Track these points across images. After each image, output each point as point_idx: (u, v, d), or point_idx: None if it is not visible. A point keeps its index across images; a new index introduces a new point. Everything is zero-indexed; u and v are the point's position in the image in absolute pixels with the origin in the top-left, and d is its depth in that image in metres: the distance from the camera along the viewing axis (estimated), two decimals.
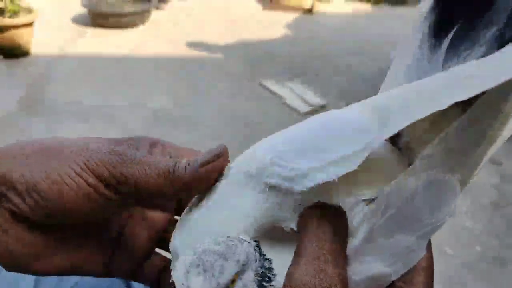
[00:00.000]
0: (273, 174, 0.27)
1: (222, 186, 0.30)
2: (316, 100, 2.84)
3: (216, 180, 0.30)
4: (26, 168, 0.29)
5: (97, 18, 3.91)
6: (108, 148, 0.30)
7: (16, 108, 2.59)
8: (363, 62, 3.47)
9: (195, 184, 0.29)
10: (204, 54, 3.51)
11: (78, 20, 4.00)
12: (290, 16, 4.59)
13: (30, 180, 0.28)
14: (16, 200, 0.28)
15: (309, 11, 4.75)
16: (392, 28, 4.30)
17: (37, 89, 2.83)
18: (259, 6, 4.90)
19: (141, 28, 3.98)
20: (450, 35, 0.26)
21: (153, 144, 0.34)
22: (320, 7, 4.90)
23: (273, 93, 2.92)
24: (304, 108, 2.75)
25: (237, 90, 2.95)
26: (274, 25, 4.29)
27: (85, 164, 0.29)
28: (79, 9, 4.03)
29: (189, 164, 0.29)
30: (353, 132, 0.25)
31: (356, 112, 0.27)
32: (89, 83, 2.94)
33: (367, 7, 5.10)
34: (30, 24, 3.21)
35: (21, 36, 3.17)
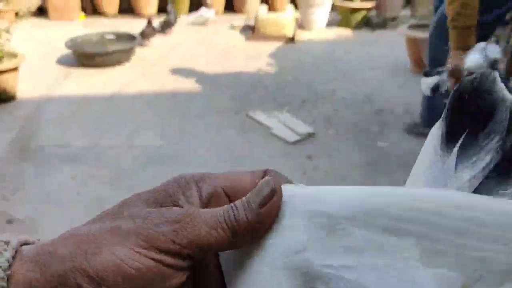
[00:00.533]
0: None
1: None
2: (304, 128, 2.87)
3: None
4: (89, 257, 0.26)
5: (82, 59, 3.94)
6: (161, 218, 0.27)
7: (5, 153, 2.59)
8: (346, 88, 3.53)
9: (257, 227, 0.28)
10: (190, 88, 3.54)
11: (63, 62, 4.04)
12: (273, 46, 4.66)
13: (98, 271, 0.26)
14: None
15: (291, 39, 4.83)
16: (373, 52, 4.38)
17: (25, 133, 2.83)
18: (242, 37, 4.97)
19: (126, 65, 4.01)
20: (459, 144, 0.30)
21: (199, 180, 0.30)
22: (301, 35, 4.99)
23: (260, 123, 2.95)
24: (292, 137, 2.78)
25: (225, 123, 2.97)
26: (258, 56, 4.35)
27: (145, 241, 0.27)
28: (64, 51, 4.07)
29: (247, 205, 0.28)
30: None
31: None
32: (77, 125, 2.95)
33: (348, 32, 5.20)
34: (15, 69, 3.23)
35: (6, 81, 3.18)
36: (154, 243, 0.27)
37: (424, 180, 0.31)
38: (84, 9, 5.80)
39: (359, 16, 5.29)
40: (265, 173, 0.31)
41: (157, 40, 4.64)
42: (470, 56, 1.77)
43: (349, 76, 3.80)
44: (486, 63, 1.79)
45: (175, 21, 4.96)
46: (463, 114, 0.30)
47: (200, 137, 2.80)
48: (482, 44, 1.79)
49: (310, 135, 2.80)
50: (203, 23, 5.46)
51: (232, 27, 5.29)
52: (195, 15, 5.63)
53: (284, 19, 4.92)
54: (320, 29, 5.29)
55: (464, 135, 0.29)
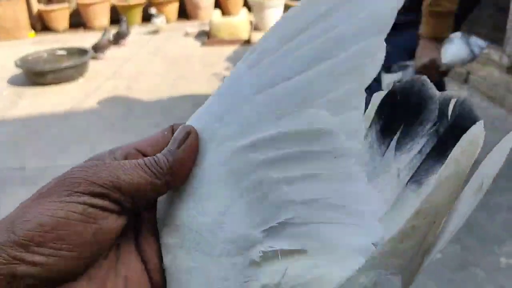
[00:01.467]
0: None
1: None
2: None
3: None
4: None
5: (34, 77, 3.83)
6: (80, 168, 0.29)
7: None
8: None
9: (179, 168, 0.30)
10: (147, 99, 3.49)
11: (15, 82, 3.92)
12: (230, 50, 4.65)
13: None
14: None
15: (247, 42, 4.83)
16: None
17: None
18: (197, 44, 4.94)
19: (80, 81, 3.92)
20: (397, 136, 0.33)
21: (113, 151, 0.32)
22: (257, 37, 5.00)
23: None
24: None
25: None
26: (215, 61, 4.33)
27: (66, 190, 0.27)
28: (14, 70, 3.95)
29: (166, 151, 0.30)
30: None
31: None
32: (32, 146, 2.86)
33: None
34: None
35: None
36: (75, 188, 0.27)
37: (363, 174, 0.32)
38: (33, 26, 5.66)
39: None
40: (172, 128, 0.33)
41: (111, 53, 4.56)
42: (451, 49, 1.61)
43: None
44: (469, 57, 1.64)
45: (128, 32, 4.89)
46: (396, 111, 0.34)
47: None
48: (458, 34, 1.64)
49: None
50: (157, 31, 5.40)
51: (187, 34, 5.25)
52: (148, 25, 5.57)
53: (239, 22, 4.91)
54: None
55: (401, 127, 0.33)
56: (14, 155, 2.75)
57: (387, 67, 1.93)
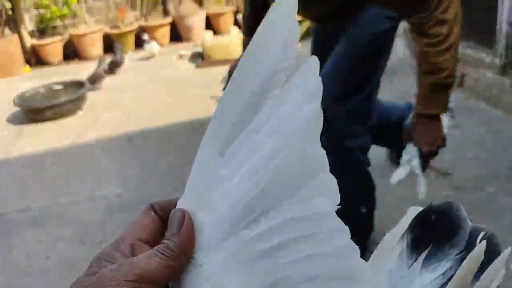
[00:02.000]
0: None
1: None
2: None
3: None
4: None
5: (33, 114, 3.86)
6: (108, 270, 0.32)
7: None
8: None
9: (186, 248, 0.34)
10: (146, 127, 3.51)
11: (14, 120, 3.95)
12: (224, 70, 4.67)
13: None
14: None
15: None
16: None
17: None
18: (191, 66, 4.98)
19: (79, 114, 3.95)
20: (425, 252, 0.38)
21: (116, 247, 0.35)
22: None
23: None
24: None
25: (186, 158, 2.95)
26: (211, 82, 4.35)
27: None
28: (12, 108, 3.98)
29: (169, 235, 0.34)
30: None
31: None
32: (35, 184, 2.88)
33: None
34: None
35: None
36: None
37: (388, 279, 0.38)
38: (28, 61, 5.71)
39: (303, 28, 5.37)
40: (152, 207, 0.38)
41: (107, 82, 4.59)
42: (444, 121, 1.48)
43: None
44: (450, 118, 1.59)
45: (122, 59, 4.92)
46: (428, 230, 0.38)
47: (162, 178, 2.76)
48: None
49: None
50: (151, 57, 5.44)
51: (180, 57, 5.29)
52: (141, 50, 5.61)
53: (231, 41, 4.95)
54: None
55: (430, 247, 0.37)
56: (19, 196, 2.76)
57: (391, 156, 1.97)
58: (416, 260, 0.38)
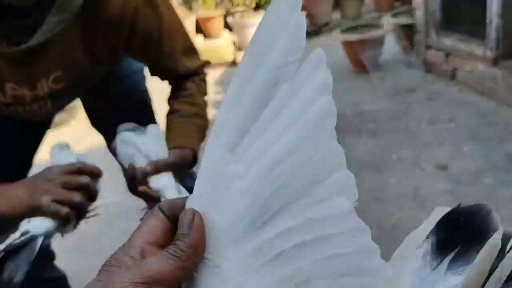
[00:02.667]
0: None
1: None
2: None
3: None
4: None
5: None
6: (121, 270, 0.32)
7: None
8: None
9: (197, 247, 0.34)
10: None
11: None
12: (217, 73, 4.68)
13: None
14: None
15: (233, 63, 4.86)
16: None
17: None
18: None
19: (72, 123, 3.93)
20: (452, 255, 0.36)
21: (125, 252, 0.35)
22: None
23: None
24: None
25: None
26: None
27: None
28: None
29: (181, 235, 0.34)
30: None
31: None
32: None
33: None
34: None
35: None
36: None
37: (410, 280, 0.37)
38: None
39: None
40: (160, 208, 0.37)
41: None
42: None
43: None
44: None
45: None
46: (455, 232, 0.37)
47: None
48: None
49: None
50: None
51: None
52: None
53: (222, 45, 4.95)
54: None
55: (457, 249, 0.36)
56: None
57: None
58: (441, 262, 0.37)
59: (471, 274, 0.32)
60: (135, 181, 1.04)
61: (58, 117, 3.78)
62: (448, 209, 0.39)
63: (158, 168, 1.02)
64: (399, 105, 3.19)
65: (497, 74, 2.86)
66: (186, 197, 0.36)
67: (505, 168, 2.26)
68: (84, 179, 0.95)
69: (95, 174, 0.99)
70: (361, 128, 2.95)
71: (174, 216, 0.36)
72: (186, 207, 0.36)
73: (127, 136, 1.10)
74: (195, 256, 0.33)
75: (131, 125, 1.12)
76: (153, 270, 0.32)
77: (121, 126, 1.12)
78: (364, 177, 2.40)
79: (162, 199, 1.02)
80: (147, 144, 1.08)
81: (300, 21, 0.33)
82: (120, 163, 1.11)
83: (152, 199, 1.05)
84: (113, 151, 1.11)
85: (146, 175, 1.02)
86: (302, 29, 0.33)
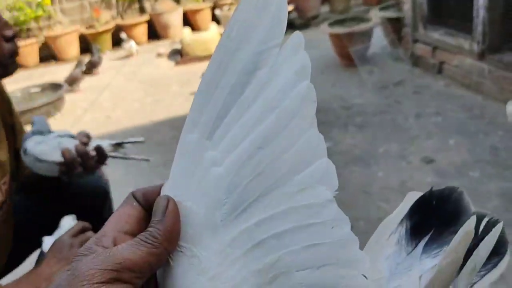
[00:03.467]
0: None
1: None
2: None
3: None
4: None
5: None
6: (91, 259, 0.30)
7: None
8: None
9: (171, 234, 0.32)
10: (128, 127, 3.46)
11: None
12: (204, 66, 4.64)
13: None
14: None
15: None
16: None
17: None
18: (171, 64, 4.93)
19: (58, 116, 3.88)
20: (426, 238, 0.36)
21: (97, 241, 0.33)
22: None
23: None
24: None
25: (169, 156, 2.92)
26: (191, 79, 4.32)
27: (89, 282, 0.29)
28: None
29: (155, 222, 0.33)
30: None
31: None
32: None
33: None
34: None
35: None
36: (92, 280, 0.29)
37: (386, 266, 0.37)
38: None
39: None
40: (133, 195, 0.36)
41: (85, 83, 4.52)
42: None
43: None
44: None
45: (99, 60, 4.85)
46: (428, 215, 0.37)
47: (145, 177, 2.73)
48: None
49: None
50: (130, 56, 5.38)
51: (159, 55, 5.24)
52: (119, 50, 5.54)
53: (210, 37, 4.91)
54: None
55: (431, 232, 0.37)
56: None
57: None
58: (416, 246, 0.37)
59: (444, 263, 0.31)
60: (78, 160, 1.10)
61: (42, 111, 3.73)
62: (420, 193, 0.39)
63: (89, 136, 1.16)
64: (386, 98, 3.19)
65: (484, 68, 2.87)
66: (161, 185, 0.35)
67: (491, 161, 2.28)
68: (91, 234, 1.00)
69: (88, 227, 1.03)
70: (348, 121, 2.95)
71: (148, 205, 0.35)
72: (161, 194, 0.34)
73: (39, 137, 1.13)
74: (169, 243, 0.32)
75: (35, 131, 1.15)
76: (123, 256, 0.30)
77: (27, 135, 1.15)
78: (351, 170, 2.40)
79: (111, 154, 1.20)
80: (59, 133, 1.15)
81: (282, 4, 0.32)
82: (36, 165, 1.11)
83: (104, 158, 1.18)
84: (28, 159, 1.10)
85: (85, 144, 1.13)
86: (283, 13, 0.32)
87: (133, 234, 0.34)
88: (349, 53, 3.76)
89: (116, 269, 0.30)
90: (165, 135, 3.21)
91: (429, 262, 0.35)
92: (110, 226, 0.34)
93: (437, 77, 3.34)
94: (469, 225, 0.32)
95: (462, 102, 2.93)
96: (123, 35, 5.41)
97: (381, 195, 2.14)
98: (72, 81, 4.34)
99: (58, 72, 5.00)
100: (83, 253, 0.32)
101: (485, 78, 2.87)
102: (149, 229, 0.32)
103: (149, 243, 0.31)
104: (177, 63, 4.87)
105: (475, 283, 0.36)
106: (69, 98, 4.14)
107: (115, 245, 0.32)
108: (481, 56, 2.87)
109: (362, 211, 2.04)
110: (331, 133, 2.82)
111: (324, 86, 3.58)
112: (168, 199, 0.34)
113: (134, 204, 0.35)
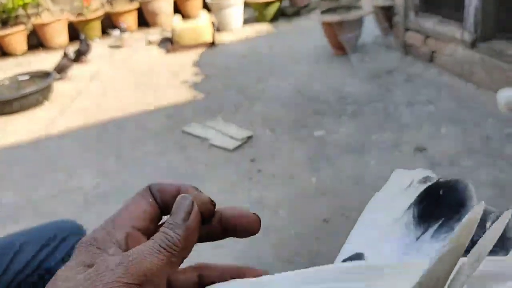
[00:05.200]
0: None
1: None
2: (241, 133, 2.85)
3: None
4: None
5: None
6: (108, 267, 0.28)
7: None
8: (276, 84, 3.54)
9: (190, 242, 0.31)
10: (118, 115, 3.43)
11: None
12: (195, 54, 4.61)
13: None
14: None
15: (212, 44, 4.80)
16: (294, 42, 4.43)
17: None
18: (161, 51, 4.88)
19: (47, 105, 3.84)
20: (435, 226, 0.37)
21: (105, 237, 0.31)
22: (221, 38, 4.96)
23: (197, 137, 2.90)
24: (231, 144, 2.75)
25: (161, 145, 2.90)
26: (182, 67, 4.28)
27: None
28: None
29: (175, 225, 0.30)
30: None
31: None
32: (5, 180, 2.79)
33: (266, 27, 5.22)
34: None
35: None
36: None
37: (396, 245, 0.37)
38: None
39: (273, 9, 5.32)
40: (149, 189, 0.34)
41: (74, 72, 4.46)
42: None
43: (276, 71, 3.81)
44: None
45: (88, 48, 4.79)
46: (437, 204, 0.38)
47: (138, 166, 2.71)
48: None
49: (249, 139, 2.78)
50: (119, 44, 5.31)
51: (149, 43, 5.19)
52: (108, 38, 5.47)
53: (201, 25, 4.87)
54: (238, 28, 5.28)
55: (440, 221, 0.37)
56: None
57: None
58: (425, 231, 0.38)
59: (444, 251, 0.30)
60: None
61: (31, 99, 3.69)
62: (405, 171, 0.41)
63: None
64: (378, 87, 3.19)
65: (476, 57, 2.87)
66: (179, 183, 0.34)
67: (482, 150, 2.29)
68: None
69: None
70: (340, 110, 2.94)
71: (163, 202, 0.33)
72: (184, 193, 0.32)
73: None
74: (187, 252, 0.31)
75: None
76: (146, 267, 0.28)
77: None
78: (344, 159, 2.40)
79: None
80: None
81: None
82: None
83: None
84: None
85: None
86: None
87: (145, 233, 0.32)
88: (340, 41, 3.75)
89: (140, 283, 0.28)
90: (157, 124, 3.19)
91: (439, 245, 0.36)
92: (124, 220, 0.32)
93: (429, 65, 3.34)
94: (475, 211, 0.32)
95: (453, 90, 2.93)
96: (122, 25, 5.30)
97: (374, 184, 2.14)
98: (61, 69, 4.28)
99: (46, 60, 4.94)
100: (97, 246, 0.30)
101: (477, 67, 2.88)
102: (168, 232, 0.30)
103: (168, 251, 0.29)
104: (168, 51, 4.83)
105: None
106: (58, 87, 4.09)
107: (127, 242, 0.31)
108: (473, 45, 2.88)
109: (355, 200, 2.05)
110: (324, 122, 2.82)
111: (317, 75, 3.57)
112: (193, 200, 0.31)
113: (151, 200, 0.33)
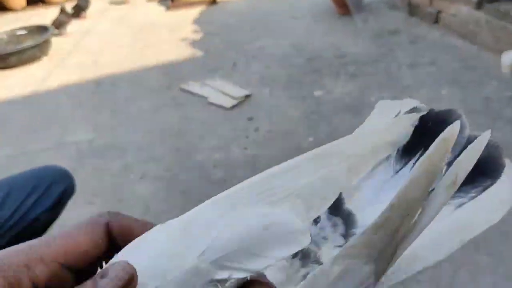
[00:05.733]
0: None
1: None
2: (239, 91, 2.81)
3: None
4: None
5: None
6: None
7: None
8: (275, 43, 3.47)
9: None
10: (115, 72, 3.39)
11: None
12: (196, 11, 4.52)
13: None
14: None
15: (213, 1, 4.69)
16: (293, 3, 4.33)
17: None
18: (161, 9, 4.78)
19: (44, 60, 3.78)
20: (415, 158, 0.35)
21: (29, 268, 0.27)
22: None
23: (195, 95, 2.86)
24: (229, 102, 2.71)
25: (158, 102, 2.87)
26: (182, 25, 4.20)
27: None
28: None
29: None
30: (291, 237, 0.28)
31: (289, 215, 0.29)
32: (1, 132, 2.77)
33: None
34: None
35: None
36: None
37: (371, 184, 0.35)
38: None
39: None
40: (107, 226, 0.29)
41: (73, 27, 4.39)
42: None
43: (276, 30, 3.74)
44: None
45: (87, 3, 4.70)
46: (422, 136, 0.35)
47: (134, 122, 2.68)
48: None
49: (246, 97, 2.74)
50: (123, 1, 5.21)
51: (149, 0, 5.08)
52: None
53: None
54: None
55: (421, 151, 0.35)
56: None
57: None
58: (405, 165, 0.35)
59: (416, 172, 0.27)
60: None
61: (28, 53, 3.63)
62: (391, 101, 0.39)
63: None
64: (381, 47, 3.12)
65: (481, 18, 2.79)
66: (143, 222, 0.30)
67: (483, 111, 2.25)
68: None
69: None
70: (340, 70, 2.89)
71: (121, 237, 0.29)
72: (122, 260, 0.27)
73: None
74: None
75: None
76: None
77: None
78: (342, 118, 2.37)
79: None
80: None
81: None
82: None
83: None
84: None
85: None
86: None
87: (77, 269, 0.28)
88: (344, 0, 3.65)
89: None
90: (154, 81, 3.15)
91: None
92: (54, 253, 0.27)
93: (433, 26, 3.26)
94: (449, 130, 0.29)
95: (457, 52, 2.87)
96: None
97: None
98: (59, 25, 4.21)
99: (46, 15, 4.85)
100: (10, 282, 0.25)
101: (481, 28, 2.80)
102: None
103: None
104: (168, 8, 4.73)
105: (463, 204, 0.35)
106: (56, 42, 4.03)
107: (45, 281, 0.26)
108: (479, 5, 2.79)
109: None
110: (323, 82, 2.77)
111: (318, 34, 3.50)
112: (133, 275, 0.25)
113: (100, 241, 0.28)
